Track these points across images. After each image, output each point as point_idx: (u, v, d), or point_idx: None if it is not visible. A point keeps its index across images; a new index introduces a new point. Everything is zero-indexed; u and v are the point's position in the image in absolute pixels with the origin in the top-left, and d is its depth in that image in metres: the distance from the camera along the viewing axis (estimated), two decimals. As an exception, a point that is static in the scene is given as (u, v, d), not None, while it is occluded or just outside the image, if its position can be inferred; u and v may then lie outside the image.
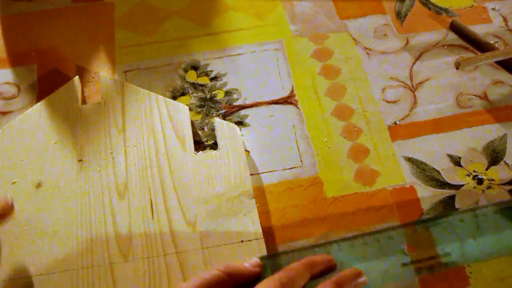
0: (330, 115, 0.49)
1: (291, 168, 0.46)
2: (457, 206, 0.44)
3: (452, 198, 0.44)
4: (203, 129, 0.48)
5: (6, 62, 0.52)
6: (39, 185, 0.43)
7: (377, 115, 0.49)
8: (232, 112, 0.49)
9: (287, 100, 0.50)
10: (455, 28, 0.54)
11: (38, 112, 0.47)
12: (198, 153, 0.44)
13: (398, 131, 0.48)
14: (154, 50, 0.53)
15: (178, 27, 0.54)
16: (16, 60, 0.52)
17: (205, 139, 0.48)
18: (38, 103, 0.47)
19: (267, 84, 0.51)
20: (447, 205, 0.44)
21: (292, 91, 0.50)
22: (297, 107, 0.49)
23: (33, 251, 0.40)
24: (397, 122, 0.49)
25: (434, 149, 0.47)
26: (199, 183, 0.43)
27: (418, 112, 0.49)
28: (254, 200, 0.42)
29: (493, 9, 0.56)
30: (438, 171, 0.46)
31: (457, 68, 0.51)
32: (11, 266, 0.40)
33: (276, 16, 0.56)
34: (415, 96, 0.50)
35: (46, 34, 0.54)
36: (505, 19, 0.56)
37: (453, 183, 0.45)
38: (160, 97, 0.47)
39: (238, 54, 0.53)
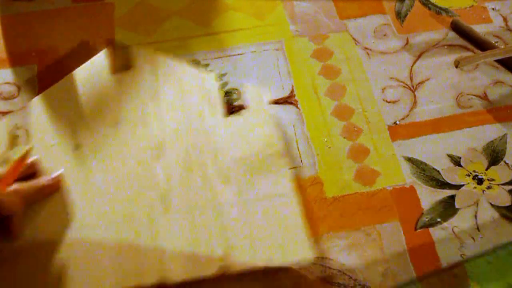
0: (330, 115, 0.49)
1: (291, 168, 0.46)
2: (457, 206, 0.44)
3: (452, 198, 0.44)
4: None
5: (6, 62, 0.52)
6: (78, 147, 0.45)
7: (377, 115, 0.49)
8: (232, 112, 0.49)
9: (287, 100, 0.50)
10: (456, 27, 0.54)
11: (72, 80, 0.49)
12: (229, 116, 0.47)
13: (398, 131, 0.48)
14: (154, 50, 0.53)
15: (178, 27, 0.54)
16: (16, 60, 0.52)
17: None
18: (71, 72, 0.49)
19: (267, 84, 0.51)
20: (447, 205, 0.44)
21: (292, 91, 0.50)
22: (297, 107, 0.49)
23: (76, 206, 0.42)
24: (397, 122, 0.49)
25: (434, 149, 0.47)
26: (232, 143, 0.45)
27: (418, 112, 0.49)
28: (285, 158, 0.44)
29: (493, 9, 0.56)
30: (438, 171, 0.46)
31: (456, 67, 0.51)
32: (56, 221, 0.41)
33: (276, 16, 0.56)
34: (415, 96, 0.50)
35: (46, 34, 0.54)
36: (505, 19, 0.56)
37: (453, 183, 0.45)
38: (189, 66, 0.50)
39: (238, 54, 0.53)
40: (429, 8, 0.57)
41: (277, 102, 0.50)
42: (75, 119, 0.47)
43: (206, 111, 0.47)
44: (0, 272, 0.39)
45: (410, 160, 0.46)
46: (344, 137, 0.48)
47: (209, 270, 0.39)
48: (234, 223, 0.41)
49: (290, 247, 0.40)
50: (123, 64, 0.51)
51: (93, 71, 0.49)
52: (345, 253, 0.41)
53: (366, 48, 0.53)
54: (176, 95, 0.48)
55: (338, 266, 0.41)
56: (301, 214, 0.42)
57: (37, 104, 0.48)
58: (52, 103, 0.48)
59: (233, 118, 0.47)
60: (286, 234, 0.41)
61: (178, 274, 0.39)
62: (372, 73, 0.52)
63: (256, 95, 0.48)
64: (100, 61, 0.50)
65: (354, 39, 0.54)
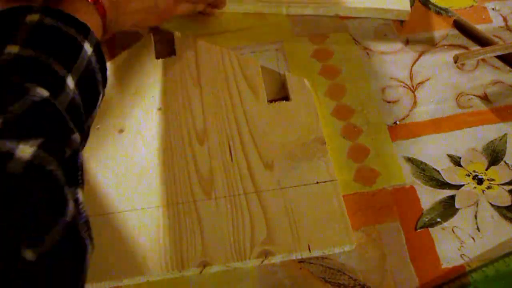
0: (330, 115, 0.49)
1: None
2: (457, 206, 0.44)
3: (452, 198, 0.44)
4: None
5: (6, 62, 0.52)
6: (121, 131, 0.46)
7: (377, 115, 0.49)
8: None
9: (287, 100, 0.50)
10: (459, 26, 0.54)
11: (116, 65, 0.50)
12: (271, 103, 0.48)
13: (398, 131, 0.48)
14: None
15: (178, 27, 0.54)
16: (16, 60, 0.52)
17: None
18: (115, 58, 0.50)
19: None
20: (447, 205, 0.44)
21: (292, 91, 0.50)
22: (297, 107, 0.49)
23: (120, 189, 0.43)
24: (397, 122, 0.49)
25: (434, 149, 0.47)
26: (274, 130, 0.46)
27: (418, 112, 0.49)
28: (326, 145, 0.45)
29: (493, 9, 0.56)
30: (438, 171, 0.46)
31: (455, 62, 0.51)
32: (100, 202, 0.42)
33: (276, 16, 0.56)
34: (415, 96, 0.50)
35: (46, 34, 0.54)
36: (505, 19, 0.56)
37: (453, 183, 0.45)
38: (232, 52, 0.51)
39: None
40: (429, 8, 0.57)
41: (276, 101, 0.50)
42: (120, 102, 0.47)
43: (249, 97, 0.48)
44: None
45: (410, 160, 0.46)
46: (344, 137, 0.48)
47: (250, 257, 0.40)
48: (275, 209, 0.42)
49: (332, 235, 0.41)
50: (166, 50, 0.52)
51: (137, 55, 0.50)
52: (345, 253, 0.41)
53: (366, 48, 0.53)
54: (218, 82, 0.49)
55: (338, 266, 0.41)
56: (342, 201, 0.42)
57: None
58: None
59: (275, 104, 0.48)
60: (327, 222, 0.41)
61: (219, 260, 0.40)
62: (372, 73, 0.52)
63: (299, 84, 0.49)
64: (143, 46, 0.51)
65: (354, 39, 0.54)
